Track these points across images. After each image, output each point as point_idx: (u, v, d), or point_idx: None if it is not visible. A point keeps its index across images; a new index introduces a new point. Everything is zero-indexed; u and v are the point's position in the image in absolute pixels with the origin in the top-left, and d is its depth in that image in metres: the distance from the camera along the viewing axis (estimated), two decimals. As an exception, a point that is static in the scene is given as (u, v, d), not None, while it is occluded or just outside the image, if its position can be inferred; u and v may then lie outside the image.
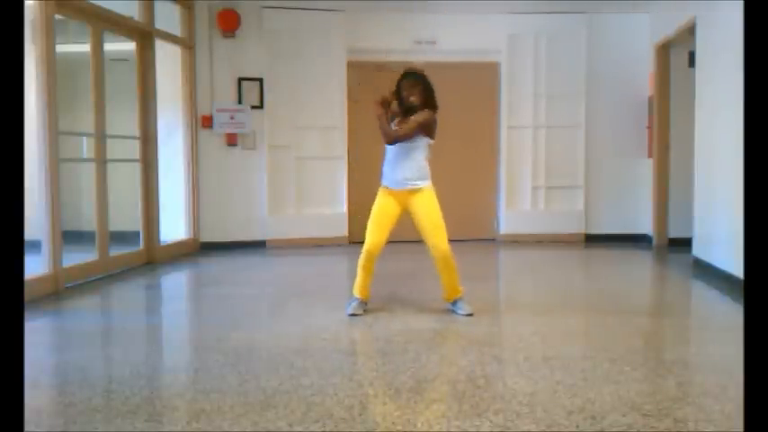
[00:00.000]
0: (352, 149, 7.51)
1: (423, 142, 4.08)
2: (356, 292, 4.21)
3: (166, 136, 6.68)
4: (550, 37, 7.58)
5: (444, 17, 7.47)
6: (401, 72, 4.18)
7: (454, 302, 4.20)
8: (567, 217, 7.70)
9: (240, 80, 7.22)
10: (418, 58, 7.53)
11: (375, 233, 4.15)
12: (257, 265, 6.49)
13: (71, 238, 5.64)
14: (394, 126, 4.08)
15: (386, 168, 4.17)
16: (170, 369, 3.30)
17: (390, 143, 4.07)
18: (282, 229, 7.33)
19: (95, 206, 5.60)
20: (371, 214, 4.20)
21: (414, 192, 4.12)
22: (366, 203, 7.52)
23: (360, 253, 4.19)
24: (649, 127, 7.47)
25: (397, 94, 4.11)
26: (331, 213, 7.44)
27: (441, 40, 7.56)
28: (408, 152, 4.07)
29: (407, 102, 4.07)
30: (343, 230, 7.45)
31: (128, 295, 5.19)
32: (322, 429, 2.38)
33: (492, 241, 7.68)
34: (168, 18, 6.63)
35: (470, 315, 4.09)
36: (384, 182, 4.20)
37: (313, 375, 2.98)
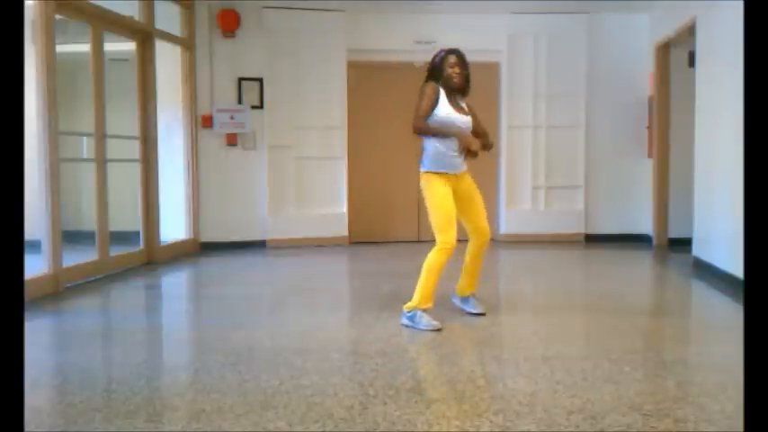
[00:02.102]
0: (352, 149, 7.51)
1: None
2: (424, 304, 3.84)
3: (166, 136, 6.68)
4: (550, 37, 7.58)
5: (444, 17, 7.46)
6: (446, 49, 4.00)
7: (467, 299, 4.19)
8: (567, 217, 7.71)
9: (240, 80, 7.22)
10: (418, 58, 7.54)
11: (453, 225, 3.83)
12: (257, 265, 6.49)
13: (71, 238, 5.64)
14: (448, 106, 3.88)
15: (440, 153, 3.87)
16: (170, 369, 3.30)
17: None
18: (282, 229, 7.33)
19: (95, 206, 5.60)
20: (441, 205, 3.83)
21: (463, 174, 4.02)
22: (366, 203, 7.61)
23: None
24: (649, 127, 7.47)
25: (441, 70, 3.92)
26: (331, 213, 7.44)
27: (441, 40, 7.51)
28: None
29: (453, 81, 3.91)
30: (343, 230, 7.44)
31: (128, 295, 5.19)
32: (322, 429, 2.38)
33: (492, 241, 7.66)
34: (168, 18, 6.63)
35: (482, 314, 4.10)
36: (439, 168, 3.88)
37: (313, 375, 2.98)
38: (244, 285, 5.40)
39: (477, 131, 4.05)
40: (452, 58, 3.93)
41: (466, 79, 3.97)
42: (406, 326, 3.84)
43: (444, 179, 3.90)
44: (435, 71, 3.95)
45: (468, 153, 3.90)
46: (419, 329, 3.77)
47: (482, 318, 4.08)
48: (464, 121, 3.94)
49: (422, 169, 3.95)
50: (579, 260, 6.84)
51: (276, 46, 7.21)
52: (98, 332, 4.07)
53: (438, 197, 3.86)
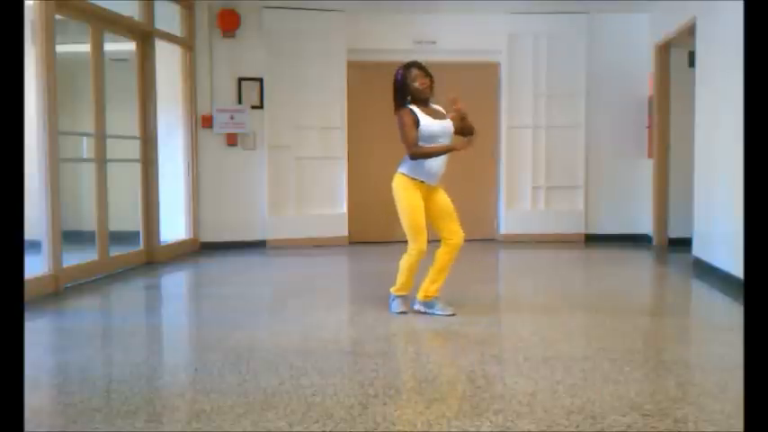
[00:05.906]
0: (352, 149, 7.51)
1: None
2: (401, 291, 4.18)
3: (166, 136, 6.68)
4: (550, 37, 7.59)
5: (444, 17, 7.47)
6: (403, 65, 4.12)
7: (432, 303, 4.15)
8: (567, 217, 7.71)
9: (240, 80, 7.22)
10: (418, 58, 7.52)
11: (425, 230, 4.04)
12: (257, 265, 6.49)
13: (71, 238, 5.64)
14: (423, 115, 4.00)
15: (427, 164, 3.99)
16: (170, 369, 3.30)
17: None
18: (282, 229, 7.33)
19: (95, 206, 5.60)
20: (414, 213, 4.00)
21: (437, 187, 4.14)
22: (366, 203, 7.61)
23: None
24: (649, 127, 7.47)
25: (407, 86, 4.03)
26: (331, 213, 7.44)
27: (441, 40, 7.56)
28: None
29: (424, 93, 4.03)
30: (343, 230, 7.44)
31: (128, 295, 5.19)
32: (322, 429, 2.38)
33: (492, 241, 7.68)
34: (168, 18, 6.64)
35: (453, 315, 4.08)
36: (420, 176, 4.01)
37: (313, 375, 2.98)
38: (244, 285, 5.40)
39: (461, 119, 4.11)
40: (414, 71, 4.05)
41: (431, 87, 4.07)
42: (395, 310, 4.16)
43: (418, 187, 4.04)
44: (403, 89, 4.06)
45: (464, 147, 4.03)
46: (394, 310, 4.14)
47: (482, 318, 4.08)
48: (446, 126, 4.05)
49: (399, 170, 4.09)
50: (579, 260, 6.84)
51: (276, 46, 7.21)
52: (98, 332, 4.07)
53: (411, 205, 4.02)
